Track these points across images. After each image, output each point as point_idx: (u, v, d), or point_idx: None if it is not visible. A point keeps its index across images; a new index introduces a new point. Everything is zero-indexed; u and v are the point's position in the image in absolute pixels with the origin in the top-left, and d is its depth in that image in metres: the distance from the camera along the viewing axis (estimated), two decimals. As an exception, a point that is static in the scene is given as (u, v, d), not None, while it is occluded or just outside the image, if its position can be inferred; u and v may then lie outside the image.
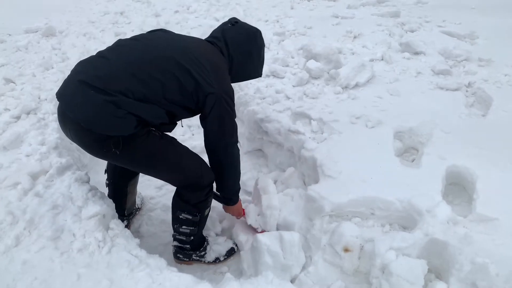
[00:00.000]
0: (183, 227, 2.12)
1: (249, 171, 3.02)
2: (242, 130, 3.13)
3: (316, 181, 2.33)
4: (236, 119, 1.97)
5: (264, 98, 3.09)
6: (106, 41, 4.29)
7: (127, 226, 2.43)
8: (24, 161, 2.33)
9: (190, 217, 2.08)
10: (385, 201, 2.03)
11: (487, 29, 4.30)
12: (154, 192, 2.87)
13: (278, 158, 2.93)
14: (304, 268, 2.01)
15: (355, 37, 4.24)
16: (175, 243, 2.25)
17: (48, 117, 2.76)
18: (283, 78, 3.36)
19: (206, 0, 6.23)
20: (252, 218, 2.32)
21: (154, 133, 1.84)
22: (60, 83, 3.09)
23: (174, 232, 2.20)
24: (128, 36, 4.63)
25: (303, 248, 2.05)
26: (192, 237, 2.18)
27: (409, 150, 2.61)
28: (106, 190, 2.91)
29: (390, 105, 2.89)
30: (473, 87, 3.09)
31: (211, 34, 2.11)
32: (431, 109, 2.79)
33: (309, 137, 2.63)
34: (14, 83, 3.26)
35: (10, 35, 4.66)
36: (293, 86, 3.21)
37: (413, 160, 2.50)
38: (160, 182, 2.93)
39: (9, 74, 3.40)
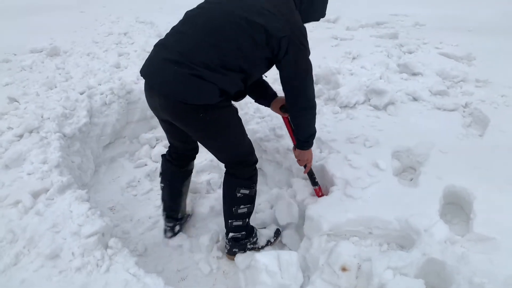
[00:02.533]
0: (241, 207, 2.21)
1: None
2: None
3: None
4: None
5: (263, 117, 3.13)
6: (109, 61, 4.36)
7: (179, 231, 2.55)
8: (26, 179, 2.36)
9: (247, 192, 2.18)
10: (383, 220, 2.04)
11: (483, 50, 4.37)
12: (154, 211, 2.87)
13: (277, 177, 2.95)
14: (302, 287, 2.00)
15: (354, 58, 4.30)
16: (231, 234, 2.29)
17: (50, 135, 2.79)
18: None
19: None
20: None
21: (233, 107, 2.01)
22: (63, 102, 3.17)
23: (230, 220, 2.25)
24: (132, 55, 4.62)
25: (301, 267, 2.04)
26: (247, 220, 2.27)
27: (407, 169, 2.63)
28: (106, 209, 2.93)
29: (388, 125, 2.92)
30: (470, 107, 3.13)
31: None
32: (428, 129, 2.82)
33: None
34: (18, 102, 3.31)
35: (15, 54, 4.75)
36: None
37: (411, 180, 2.51)
38: (159, 201, 2.94)
39: (13, 93, 3.45)
